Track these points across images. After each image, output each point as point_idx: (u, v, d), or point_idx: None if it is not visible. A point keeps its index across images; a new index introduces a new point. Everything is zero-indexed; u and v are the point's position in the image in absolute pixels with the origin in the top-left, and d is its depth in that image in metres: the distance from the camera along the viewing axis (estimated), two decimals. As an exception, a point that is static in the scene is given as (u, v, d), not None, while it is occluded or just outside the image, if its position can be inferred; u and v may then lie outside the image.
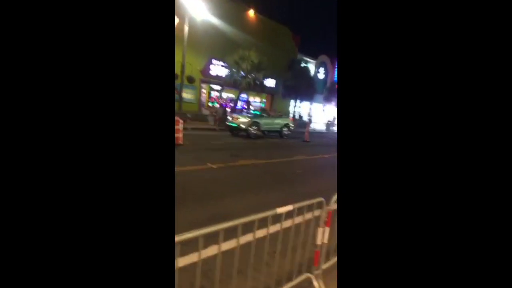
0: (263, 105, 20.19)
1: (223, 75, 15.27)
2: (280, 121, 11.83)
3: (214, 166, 5.28)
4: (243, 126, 9.97)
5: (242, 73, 13.66)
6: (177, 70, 12.47)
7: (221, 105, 15.88)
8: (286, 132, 11.85)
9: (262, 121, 10.73)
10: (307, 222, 1.70)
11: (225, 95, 17.89)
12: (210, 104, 16.81)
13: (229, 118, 10.63)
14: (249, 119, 10.26)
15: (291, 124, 12.34)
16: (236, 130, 10.20)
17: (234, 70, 13.79)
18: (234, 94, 16.68)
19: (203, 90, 16.56)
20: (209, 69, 15.88)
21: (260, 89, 16.01)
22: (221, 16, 14.36)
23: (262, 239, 1.58)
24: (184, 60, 11.87)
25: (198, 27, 13.25)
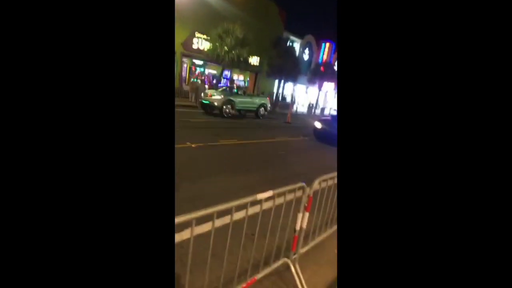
0: (246, 84, 19.69)
1: (206, 50, 14.47)
2: (257, 101, 11.24)
3: (192, 145, 5.10)
4: (216, 104, 9.32)
5: (226, 48, 12.99)
6: (156, 40, 11.61)
7: (202, 81, 15.17)
8: (262, 113, 11.38)
9: (237, 100, 10.10)
10: (287, 205, 1.64)
11: (207, 71, 17.11)
12: (192, 80, 16.05)
13: (202, 94, 10.05)
14: (223, 97, 9.61)
15: (268, 104, 11.82)
16: (209, 108, 9.56)
17: (217, 44, 13.06)
18: (217, 71, 16.01)
19: (185, 65, 15.69)
20: (192, 43, 14.93)
21: (244, 67, 15.45)
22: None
23: (240, 221, 1.51)
24: (163, 30, 11.00)
25: (179, -4, 12.22)
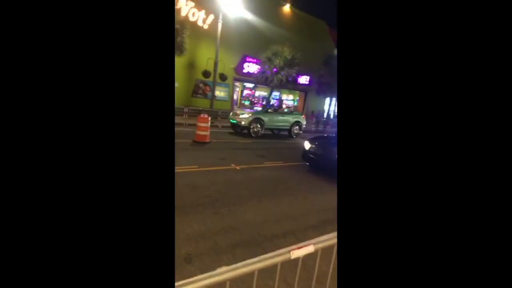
0: (295, 103, 19.47)
1: (255, 72, 15.00)
2: (290, 118, 10.32)
3: (237, 167, 4.99)
4: (243, 123, 8.81)
5: (275, 69, 13.20)
6: (210, 67, 12.55)
7: (252, 103, 15.63)
8: (296, 131, 10.52)
9: (266, 118, 9.36)
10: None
11: (258, 93, 17.62)
12: (243, 102, 16.71)
13: (231, 114, 9.72)
14: (250, 115, 9.04)
15: (303, 122, 10.95)
16: (238, 127, 9.21)
17: (266, 67, 13.40)
18: (267, 92, 16.31)
19: (237, 89, 16.52)
20: (243, 67, 15.73)
21: (292, 86, 15.35)
22: (256, 11, 14.05)
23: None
24: (217, 57, 11.84)
25: (232, 24, 13.15)
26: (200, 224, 2.73)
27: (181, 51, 10.09)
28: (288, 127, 10.36)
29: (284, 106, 15.79)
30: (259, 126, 9.17)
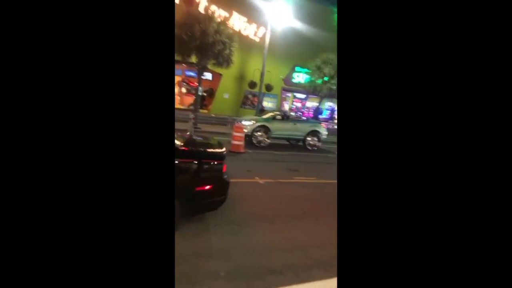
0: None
1: (304, 82, 14.47)
2: (304, 127, 8.70)
3: (260, 181, 4.64)
4: (245, 131, 7.53)
5: (325, 78, 12.45)
6: (257, 78, 12.68)
7: (296, 113, 15.00)
8: (312, 142, 8.77)
9: (272, 126, 8.08)
10: None
11: (310, 103, 16.92)
12: (292, 114, 16.28)
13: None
14: (253, 122, 7.95)
15: (323, 132, 9.02)
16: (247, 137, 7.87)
17: (315, 76, 12.77)
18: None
19: (287, 100, 16.26)
20: (292, 77, 15.43)
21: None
22: (307, 20, 13.67)
23: None
24: (264, 68, 11.88)
25: (281, 35, 13.09)
26: (187, 242, 2.50)
27: (228, 64, 10.47)
28: (301, 137, 8.73)
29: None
30: (263, 134, 7.96)
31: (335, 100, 16.43)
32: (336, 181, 3.18)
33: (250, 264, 2.30)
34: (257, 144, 7.90)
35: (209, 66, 10.70)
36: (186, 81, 15.35)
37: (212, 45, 9.58)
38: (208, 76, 13.06)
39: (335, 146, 10.21)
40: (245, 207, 3.49)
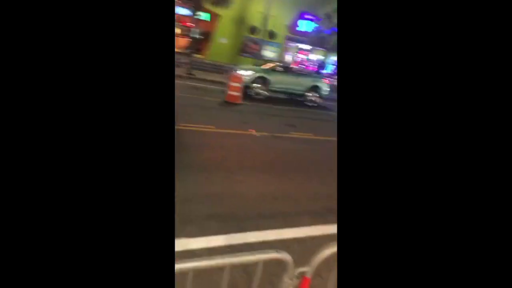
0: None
1: (311, 32, 13.35)
2: (305, 82, 8.03)
3: (256, 134, 4.61)
4: (243, 81, 6.94)
5: (334, 29, 11.47)
6: (259, 22, 11.57)
7: (299, 66, 14.22)
8: (312, 98, 8.20)
9: (272, 78, 7.49)
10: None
11: (315, 57, 15.89)
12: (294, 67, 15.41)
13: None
14: (253, 73, 7.37)
15: (325, 88, 8.39)
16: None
17: (324, 25, 11.73)
18: (325, 56, 14.61)
19: (291, 50, 15.18)
20: (297, 25, 14.13)
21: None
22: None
23: None
24: (268, 11, 10.74)
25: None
26: (182, 188, 2.55)
27: (227, 2, 9.39)
28: (302, 92, 8.15)
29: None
30: (262, 86, 7.42)
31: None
32: (333, 138, 3.15)
33: (241, 208, 2.40)
34: (255, 96, 7.57)
35: (206, 5, 9.59)
36: (179, 20, 13.96)
37: (211, -22, 8.43)
38: (204, 16, 11.81)
39: (336, 104, 10.01)
40: (239, 157, 3.51)
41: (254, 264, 0.85)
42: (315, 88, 8.36)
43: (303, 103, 8.42)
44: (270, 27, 11.68)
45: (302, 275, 0.89)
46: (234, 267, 0.82)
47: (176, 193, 2.52)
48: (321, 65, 14.48)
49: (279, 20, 12.64)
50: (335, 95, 10.00)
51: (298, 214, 2.48)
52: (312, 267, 0.90)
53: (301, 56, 15.72)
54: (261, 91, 7.64)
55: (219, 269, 0.82)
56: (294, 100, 8.76)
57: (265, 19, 10.88)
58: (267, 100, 7.79)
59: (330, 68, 15.83)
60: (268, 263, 0.86)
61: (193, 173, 2.84)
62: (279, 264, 0.88)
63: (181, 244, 1.83)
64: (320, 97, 8.54)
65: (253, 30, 12.13)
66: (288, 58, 15.06)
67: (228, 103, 6.55)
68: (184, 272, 0.77)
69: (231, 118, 5.44)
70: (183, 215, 2.15)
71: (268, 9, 10.67)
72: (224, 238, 1.99)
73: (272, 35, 12.42)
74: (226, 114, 5.74)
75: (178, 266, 0.75)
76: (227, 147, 3.79)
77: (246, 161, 3.43)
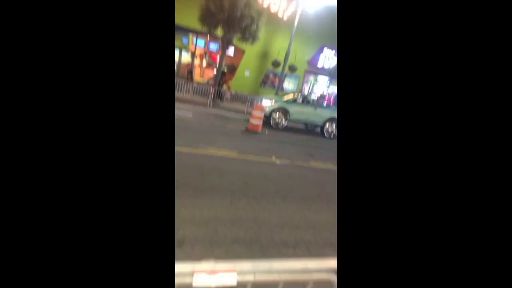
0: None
1: (330, 66, 13.91)
2: (324, 113, 8.33)
3: (277, 162, 4.74)
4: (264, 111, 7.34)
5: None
6: (282, 58, 12.32)
7: (318, 98, 14.61)
8: (330, 130, 8.50)
9: (292, 109, 7.88)
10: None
11: (333, 89, 16.38)
12: (313, 98, 15.87)
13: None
14: (273, 102, 7.81)
15: None
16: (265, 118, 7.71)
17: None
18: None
19: (309, 83, 15.80)
20: (318, 59, 14.85)
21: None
22: None
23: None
24: (289, 48, 11.49)
25: (313, 13, 12.41)
26: (210, 209, 2.68)
27: (254, 39, 10.21)
28: (320, 123, 8.47)
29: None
30: (282, 116, 7.85)
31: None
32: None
33: (265, 234, 2.45)
34: (274, 126, 7.88)
35: (234, 41, 10.49)
36: (208, 54, 15.20)
37: (240, 19, 9.31)
38: (230, 51, 12.83)
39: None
40: (261, 184, 3.62)
41: (306, 282, 0.93)
42: (333, 120, 8.56)
43: (321, 133, 8.60)
44: (291, 61, 12.38)
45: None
46: (287, 283, 0.90)
47: (201, 215, 2.64)
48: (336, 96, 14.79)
49: (299, 54, 13.39)
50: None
51: (320, 245, 2.48)
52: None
53: (319, 89, 16.27)
54: (280, 121, 7.95)
55: (275, 284, 0.90)
56: (312, 130, 8.94)
57: (287, 54, 11.61)
58: (287, 129, 8.03)
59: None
60: (317, 283, 0.94)
61: (218, 196, 2.98)
62: (326, 285, 0.95)
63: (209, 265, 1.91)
64: None
65: (275, 63, 12.89)
66: (307, 89, 15.63)
67: (250, 131, 6.83)
68: (243, 285, 0.84)
69: (253, 145, 5.65)
70: (210, 237, 2.25)
71: (290, 45, 11.44)
72: (251, 265, 2.04)
73: (292, 68, 13.11)
74: (248, 142, 5.97)
75: (238, 278, 0.80)
76: (250, 172, 3.92)
77: (268, 187, 3.52)
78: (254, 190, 3.35)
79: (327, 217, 3.07)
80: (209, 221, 2.48)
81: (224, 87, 12.28)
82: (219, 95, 11.28)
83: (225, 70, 13.14)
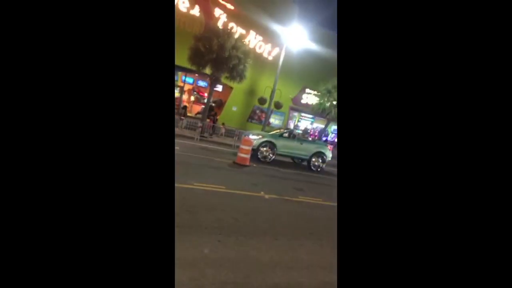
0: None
1: (313, 104, 14.73)
2: (309, 147, 8.70)
3: (266, 196, 4.63)
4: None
5: (334, 102, 12.69)
6: (267, 95, 12.96)
7: (306, 133, 15.10)
8: (317, 164, 8.78)
9: (278, 142, 8.17)
10: None
11: (316, 125, 17.13)
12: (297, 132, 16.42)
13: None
14: (260, 137, 8.05)
15: (328, 154, 9.03)
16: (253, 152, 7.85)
17: (325, 99, 13.03)
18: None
19: (294, 119, 16.48)
20: (301, 98, 15.73)
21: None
22: (321, 44, 14.14)
23: None
24: (275, 86, 12.18)
25: (295, 56, 13.51)
26: (195, 249, 2.48)
27: (241, 78, 10.77)
28: (306, 157, 8.76)
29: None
30: (269, 150, 8.05)
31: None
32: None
33: (256, 277, 2.27)
34: (262, 159, 7.94)
35: (222, 79, 11.00)
36: (197, 90, 15.68)
37: (228, 59, 9.90)
38: (218, 87, 13.36)
39: (339, 170, 10.16)
40: (251, 220, 3.47)
41: None
42: (319, 154, 8.80)
43: (308, 167, 8.69)
44: (276, 98, 13.02)
45: None
46: None
47: (187, 255, 2.44)
48: (323, 132, 15.39)
49: (284, 92, 14.17)
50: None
51: (314, 286, 2.32)
52: None
53: (304, 124, 16.95)
54: (268, 154, 8.04)
55: None
56: (299, 164, 9.03)
57: (272, 91, 12.25)
58: (274, 163, 8.05)
59: (331, 136, 16.80)
60: None
61: (206, 234, 2.80)
62: None
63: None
64: (323, 162, 8.92)
65: (261, 100, 13.47)
66: (292, 125, 16.22)
67: (238, 165, 6.77)
68: None
69: (241, 179, 5.55)
70: (197, 281, 2.05)
71: (276, 83, 12.14)
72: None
73: (278, 105, 13.73)
74: (236, 176, 5.87)
75: None
76: (238, 208, 3.78)
77: (258, 224, 3.38)
78: (244, 226, 3.19)
79: (319, 256, 2.93)
80: (196, 262, 2.28)
81: (219, 123, 12.47)
82: (213, 130, 11.38)
83: (213, 105, 13.49)
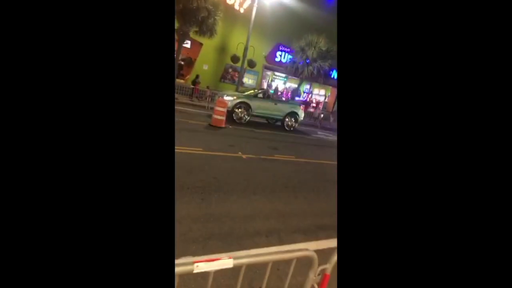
0: (326, 99, 18.56)
1: (287, 62, 14.46)
2: (283, 108, 8.75)
3: (243, 156, 4.82)
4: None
5: (307, 60, 12.58)
6: (240, 52, 12.34)
7: (276, 92, 15.13)
8: (290, 123, 8.97)
9: (253, 103, 8.03)
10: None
11: (289, 84, 17.05)
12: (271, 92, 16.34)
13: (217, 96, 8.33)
14: (234, 98, 7.89)
15: (301, 114, 9.24)
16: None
17: (298, 57, 12.83)
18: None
19: (267, 79, 16.16)
20: (275, 55, 15.25)
21: (323, 80, 14.53)
22: (295, -3, 13.30)
23: None
24: (248, 43, 11.56)
25: (269, 9, 12.66)
26: (181, 208, 2.63)
27: (212, 34, 10.02)
28: (280, 117, 8.87)
29: (312, 99, 14.53)
30: (244, 111, 7.95)
31: (314, 84, 16.80)
32: (313, 160, 3.54)
33: (238, 228, 2.53)
34: (237, 121, 7.93)
35: (191, 34, 10.12)
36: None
37: (196, 11, 9.02)
38: (187, 44, 12.33)
39: (309, 128, 10.67)
40: (231, 178, 3.66)
41: (290, 260, 1.04)
42: (292, 114, 9.00)
43: (282, 127, 8.96)
44: (249, 56, 12.49)
45: (323, 272, 1.09)
46: (275, 262, 1.00)
47: (177, 214, 2.58)
48: (295, 92, 15.53)
49: (258, 50, 13.57)
50: (310, 121, 10.74)
51: (290, 232, 2.66)
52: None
53: (277, 84, 16.82)
54: (243, 116, 8.03)
55: (265, 264, 1.00)
56: (273, 124, 9.26)
57: (245, 49, 11.66)
58: (249, 124, 8.16)
59: (303, 96, 17.06)
60: (299, 259, 1.06)
61: (188, 194, 2.94)
62: (308, 260, 1.08)
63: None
64: (296, 122, 9.21)
65: (234, 58, 12.83)
66: (265, 84, 16.00)
67: (213, 127, 6.76)
68: (239, 266, 0.93)
69: (218, 141, 5.62)
70: (186, 235, 2.23)
71: (249, 40, 11.51)
72: (244, 253, 2.10)
73: (252, 64, 13.24)
74: (213, 138, 5.91)
75: (234, 262, 0.89)
76: (217, 168, 3.93)
77: (238, 181, 3.59)
78: (224, 185, 3.38)
79: (294, 206, 3.28)
80: (182, 219, 2.44)
81: (203, 86, 11.73)
82: (199, 94, 10.77)
83: (182, 63, 12.60)
